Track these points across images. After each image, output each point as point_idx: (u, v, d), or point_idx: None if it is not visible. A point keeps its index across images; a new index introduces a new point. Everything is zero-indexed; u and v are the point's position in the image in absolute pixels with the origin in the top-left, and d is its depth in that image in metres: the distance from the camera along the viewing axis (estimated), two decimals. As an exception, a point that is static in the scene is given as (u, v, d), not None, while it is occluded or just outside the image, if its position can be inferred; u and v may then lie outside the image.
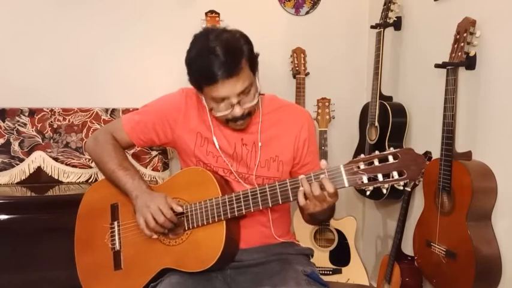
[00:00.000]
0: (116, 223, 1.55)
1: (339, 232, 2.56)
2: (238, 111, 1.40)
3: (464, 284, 1.81)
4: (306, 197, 1.30)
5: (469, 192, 1.76)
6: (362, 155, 1.27)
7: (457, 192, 1.83)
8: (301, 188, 1.30)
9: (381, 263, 2.33)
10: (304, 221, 1.61)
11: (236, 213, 1.40)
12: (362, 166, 1.25)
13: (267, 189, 1.37)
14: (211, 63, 1.33)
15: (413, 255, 2.16)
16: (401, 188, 1.26)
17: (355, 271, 2.53)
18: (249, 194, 1.39)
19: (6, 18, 2.47)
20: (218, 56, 1.32)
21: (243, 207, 1.39)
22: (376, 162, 1.24)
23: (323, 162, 1.30)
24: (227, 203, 1.40)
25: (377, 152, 1.26)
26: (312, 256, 1.66)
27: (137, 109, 1.65)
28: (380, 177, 1.24)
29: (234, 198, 1.40)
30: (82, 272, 1.59)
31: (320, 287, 1.45)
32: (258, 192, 1.38)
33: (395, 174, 1.23)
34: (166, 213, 1.40)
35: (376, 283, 2.37)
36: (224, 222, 1.41)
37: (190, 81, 1.44)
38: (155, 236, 1.45)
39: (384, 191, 1.29)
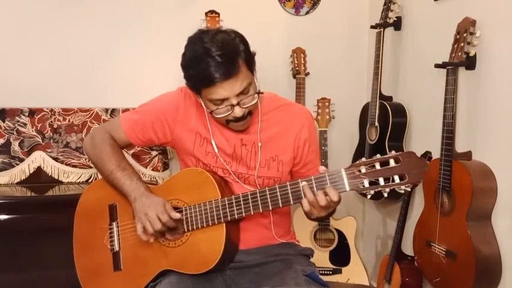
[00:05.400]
0: (114, 224, 1.55)
1: (339, 232, 2.56)
2: (238, 111, 1.37)
3: (464, 284, 1.80)
4: (310, 204, 1.29)
5: (469, 192, 1.76)
6: (363, 159, 1.26)
7: (457, 192, 1.83)
8: (304, 199, 1.29)
9: (380, 263, 2.33)
10: (307, 218, 1.60)
11: (236, 216, 1.39)
12: (363, 170, 1.24)
13: (267, 193, 1.35)
14: (208, 65, 1.30)
15: (413, 255, 2.16)
16: (402, 191, 1.25)
17: (355, 271, 2.53)
18: (249, 197, 1.37)
19: (7, 19, 2.47)
20: (214, 57, 1.29)
21: (243, 210, 1.38)
22: (378, 166, 1.23)
23: (321, 168, 1.30)
24: (227, 206, 1.39)
25: (378, 156, 1.24)
26: (312, 256, 1.65)
27: (136, 108, 1.64)
28: (381, 181, 1.23)
29: (234, 200, 1.39)
30: (81, 272, 1.58)
31: (320, 287, 1.45)
32: (258, 195, 1.36)
33: (396, 178, 1.22)
34: (164, 220, 1.39)
35: (376, 283, 2.37)
36: (224, 224, 1.40)
37: (188, 85, 1.42)
38: (152, 241, 1.43)
39: (385, 194, 1.28)
